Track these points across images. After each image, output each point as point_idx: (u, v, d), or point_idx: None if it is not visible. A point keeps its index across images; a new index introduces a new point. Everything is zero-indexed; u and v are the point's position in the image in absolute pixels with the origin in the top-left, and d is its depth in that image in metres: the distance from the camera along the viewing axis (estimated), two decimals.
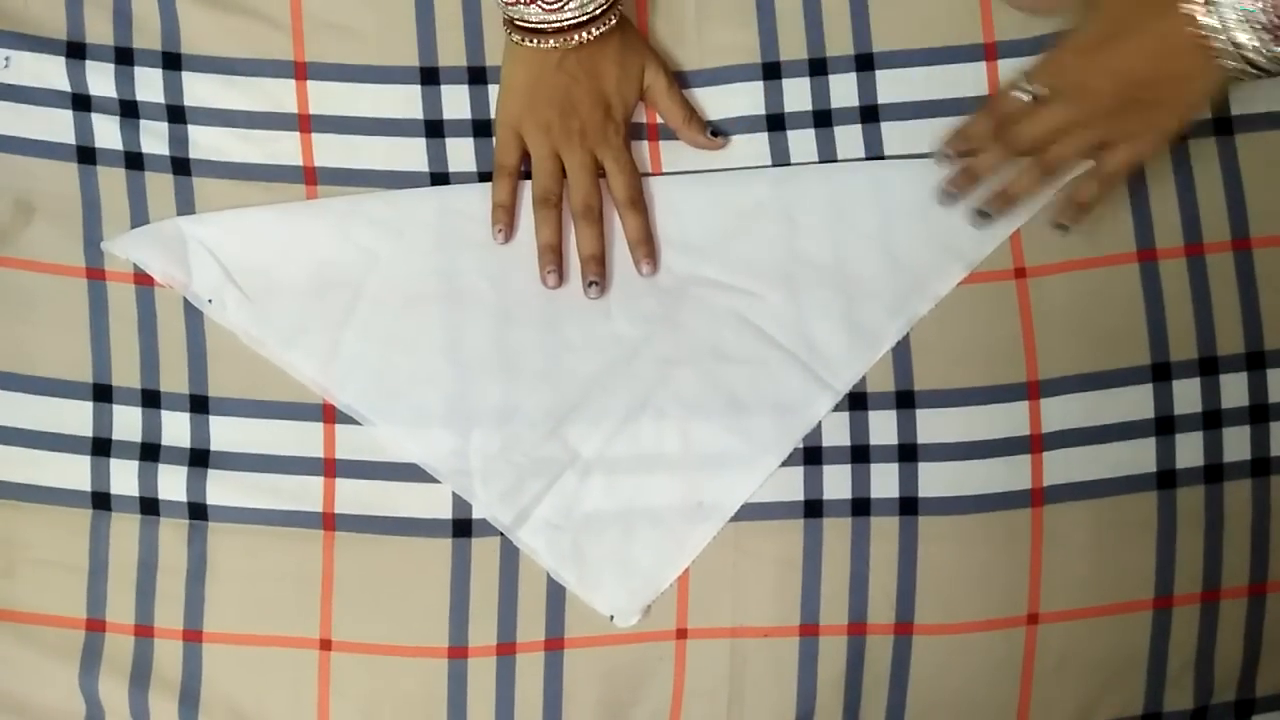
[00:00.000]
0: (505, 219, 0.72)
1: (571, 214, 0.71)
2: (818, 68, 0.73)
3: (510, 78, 0.70)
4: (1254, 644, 0.72)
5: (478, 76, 0.73)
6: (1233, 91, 0.72)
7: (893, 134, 0.72)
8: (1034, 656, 0.71)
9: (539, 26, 0.66)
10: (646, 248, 0.71)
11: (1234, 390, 0.71)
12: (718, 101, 0.73)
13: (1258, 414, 0.71)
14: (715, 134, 0.72)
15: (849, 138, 0.73)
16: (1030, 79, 0.65)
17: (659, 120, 0.73)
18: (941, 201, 0.70)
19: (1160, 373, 0.71)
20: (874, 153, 0.73)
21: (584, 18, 0.66)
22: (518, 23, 0.67)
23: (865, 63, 0.73)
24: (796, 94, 0.73)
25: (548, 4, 0.65)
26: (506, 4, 0.66)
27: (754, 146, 0.73)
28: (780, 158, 0.73)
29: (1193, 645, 0.71)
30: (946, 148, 0.70)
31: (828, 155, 0.73)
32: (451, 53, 0.73)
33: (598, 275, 0.71)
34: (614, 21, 0.67)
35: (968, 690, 0.71)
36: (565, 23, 0.66)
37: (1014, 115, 0.65)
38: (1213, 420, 0.71)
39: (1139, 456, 0.71)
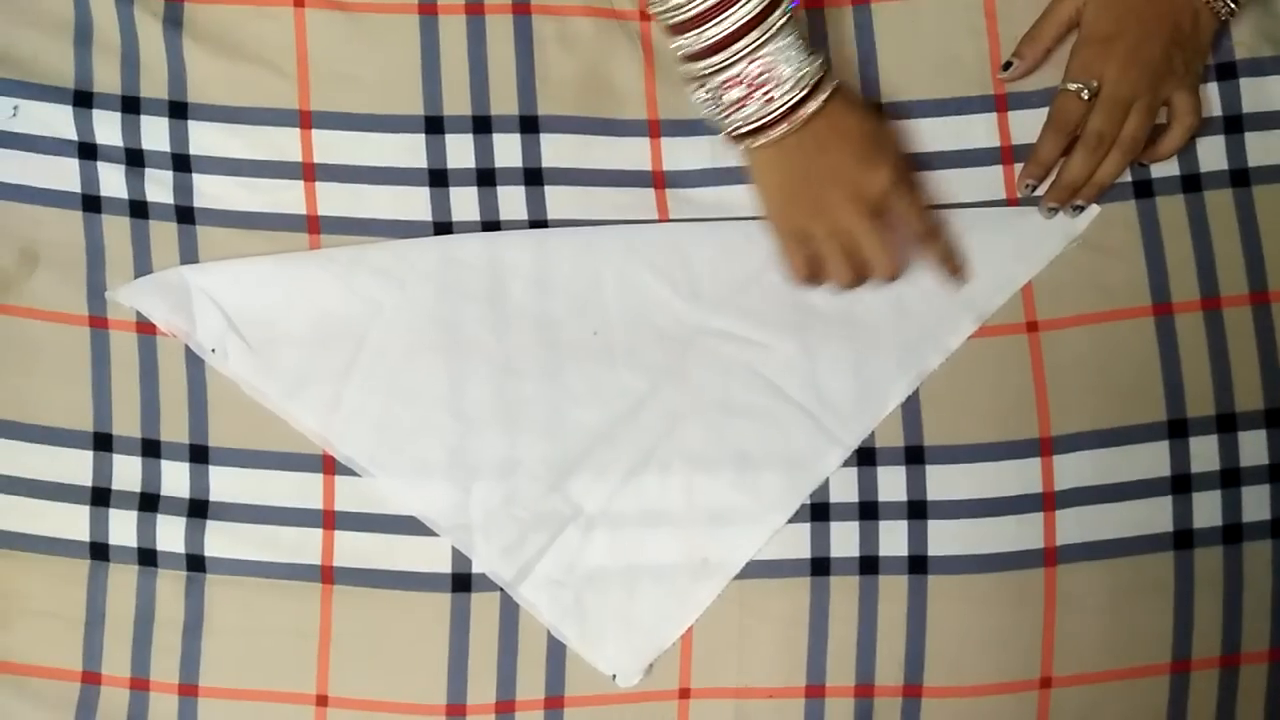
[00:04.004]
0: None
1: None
2: None
3: (759, 187, 0.68)
4: (1275, 711, 0.69)
5: (482, 125, 0.72)
6: (1249, 143, 0.71)
7: None
8: None
9: (756, 125, 0.64)
10: (950, 264, 0.70)
11: (1253, 448, 0.70)
12: (727, 154, 0.72)
13: (1278, 473, 0.70)
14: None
15: None
16: (1075, 79, 0.68)
17: (665, 168, 0.72)
18: (1025, 195, 0.71)
19: (1176, 429, 0.70)
20: None
21: (786, 105, 0.63)
22: (732, 132, 0.65)
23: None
24: None
25: (758, 97, 0.63)
26: (718, 117, 0.65)
27: None
28: None
29: (1211, 711, 0.69)
30: (1028, 179, 0.70)
31: None
32: (456, 102, 0.73)
33: None
34: (823, 99, 0.64)
35: None
36: (774, 114, 0.63)
37: (1078, 119, 0.68)
38: (1231, 479, 0.70)
39: (1155, 516, 0.69)
